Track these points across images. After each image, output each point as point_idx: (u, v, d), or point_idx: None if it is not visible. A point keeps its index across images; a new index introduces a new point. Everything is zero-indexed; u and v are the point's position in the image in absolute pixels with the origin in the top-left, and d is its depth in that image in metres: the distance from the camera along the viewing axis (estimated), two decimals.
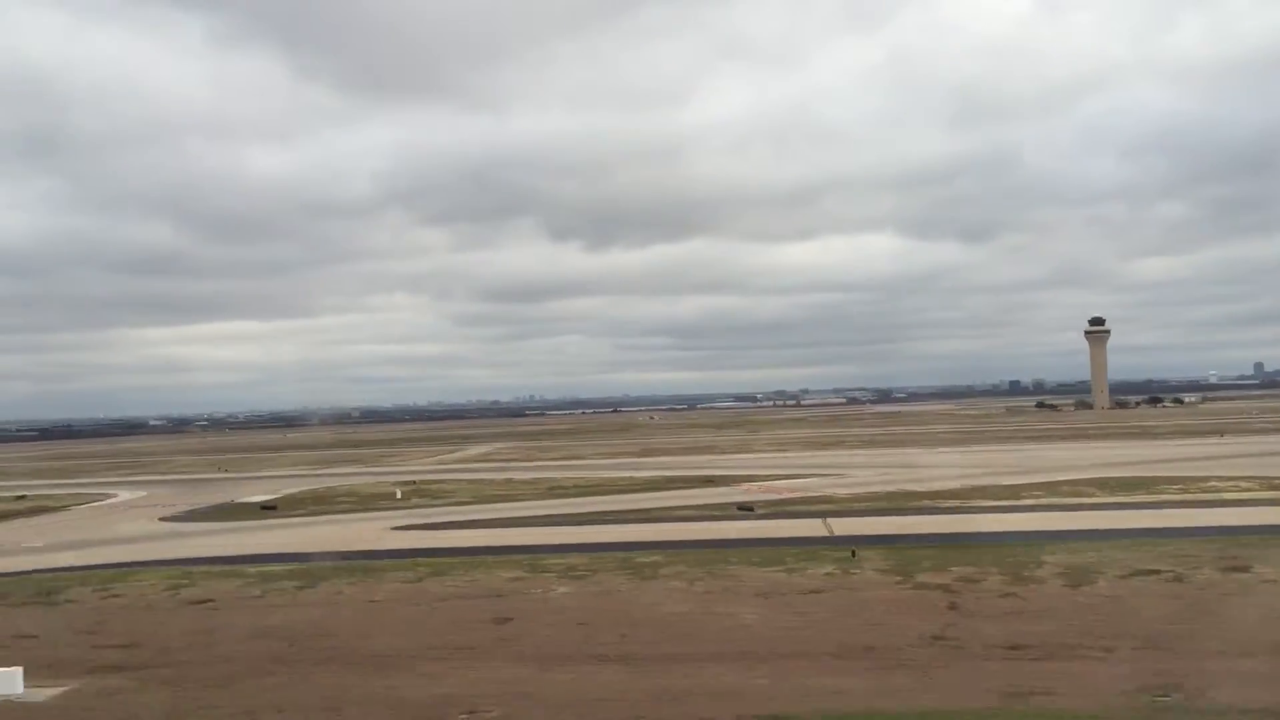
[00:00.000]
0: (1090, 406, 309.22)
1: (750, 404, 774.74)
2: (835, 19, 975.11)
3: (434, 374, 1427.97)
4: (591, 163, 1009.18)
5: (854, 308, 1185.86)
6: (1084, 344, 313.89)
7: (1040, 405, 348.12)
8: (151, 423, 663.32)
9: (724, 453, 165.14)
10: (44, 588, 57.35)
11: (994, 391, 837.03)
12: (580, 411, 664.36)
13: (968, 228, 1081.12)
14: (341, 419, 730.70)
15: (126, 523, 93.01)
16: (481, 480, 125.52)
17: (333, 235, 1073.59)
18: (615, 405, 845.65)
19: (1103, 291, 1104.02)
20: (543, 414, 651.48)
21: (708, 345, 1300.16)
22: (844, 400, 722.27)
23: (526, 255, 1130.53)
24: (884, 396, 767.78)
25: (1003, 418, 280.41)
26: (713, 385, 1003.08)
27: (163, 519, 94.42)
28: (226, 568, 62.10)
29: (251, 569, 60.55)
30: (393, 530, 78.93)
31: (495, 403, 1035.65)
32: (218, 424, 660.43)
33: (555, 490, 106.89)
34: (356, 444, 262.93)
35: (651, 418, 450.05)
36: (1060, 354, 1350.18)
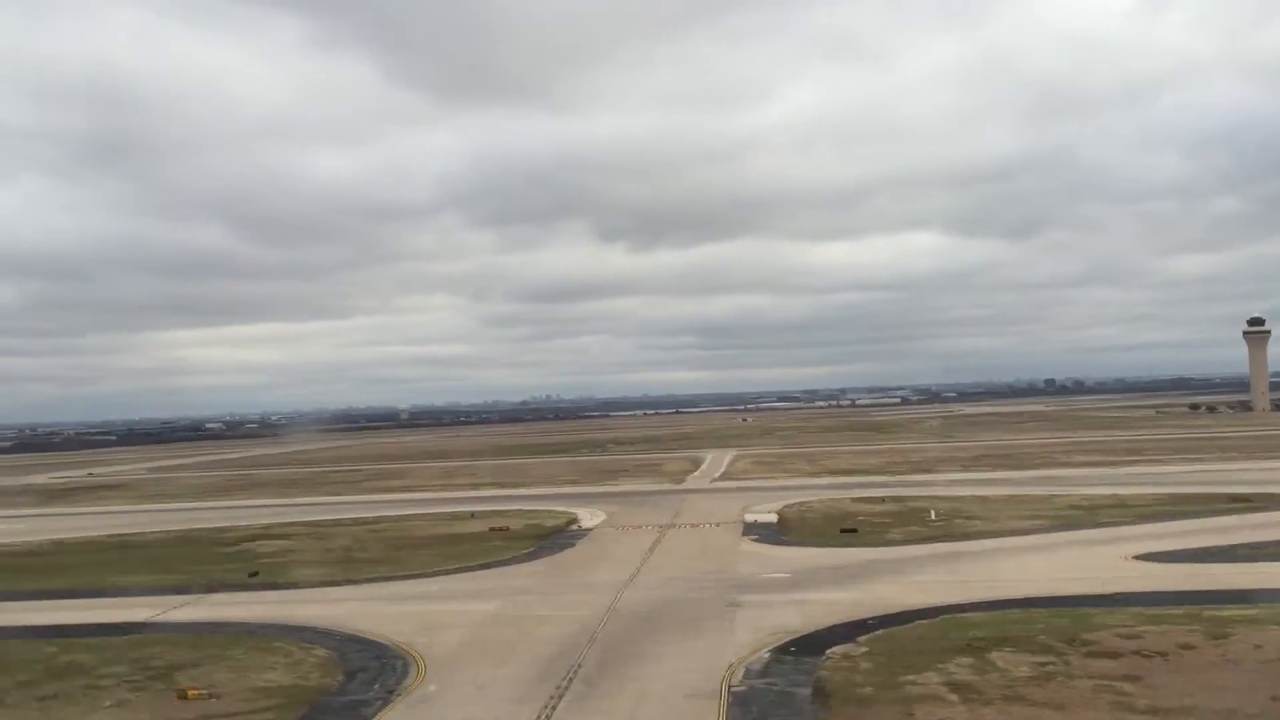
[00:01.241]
0: (1250, 408, 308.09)
1: (793, 403, 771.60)
2: (930, 16, 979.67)
3: (452, 375, 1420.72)
4: (656, 164, 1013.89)
5: (883, 306, 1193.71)
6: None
7: (1194, 407, 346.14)
8: (209, 426, 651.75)
9: (1068, 465, 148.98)
10: None
11: (1038, 390, 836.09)
12: (642, 413, 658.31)
13: (1014, 224, 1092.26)
14: (393, 418, 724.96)
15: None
16: (938, 496, 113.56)
17: (382, 238, 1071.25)
18: (638, 406, 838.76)
19: (1134, 289, 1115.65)
20: (606, 415, 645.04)
21: (731, 345, 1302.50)
22: (897, 400, 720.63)
23: (570, 257, 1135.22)
24: (932, 397, 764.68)
25: (1183, 422, 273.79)
26: (731, 385, 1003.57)
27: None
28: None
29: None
30: (1136, 559, 71.05)
31: (524, 403, 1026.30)
32: (270, 426, 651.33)
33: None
34: (545, 449, 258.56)
35: (745, 419, 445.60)
36: (1085, 351, 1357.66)
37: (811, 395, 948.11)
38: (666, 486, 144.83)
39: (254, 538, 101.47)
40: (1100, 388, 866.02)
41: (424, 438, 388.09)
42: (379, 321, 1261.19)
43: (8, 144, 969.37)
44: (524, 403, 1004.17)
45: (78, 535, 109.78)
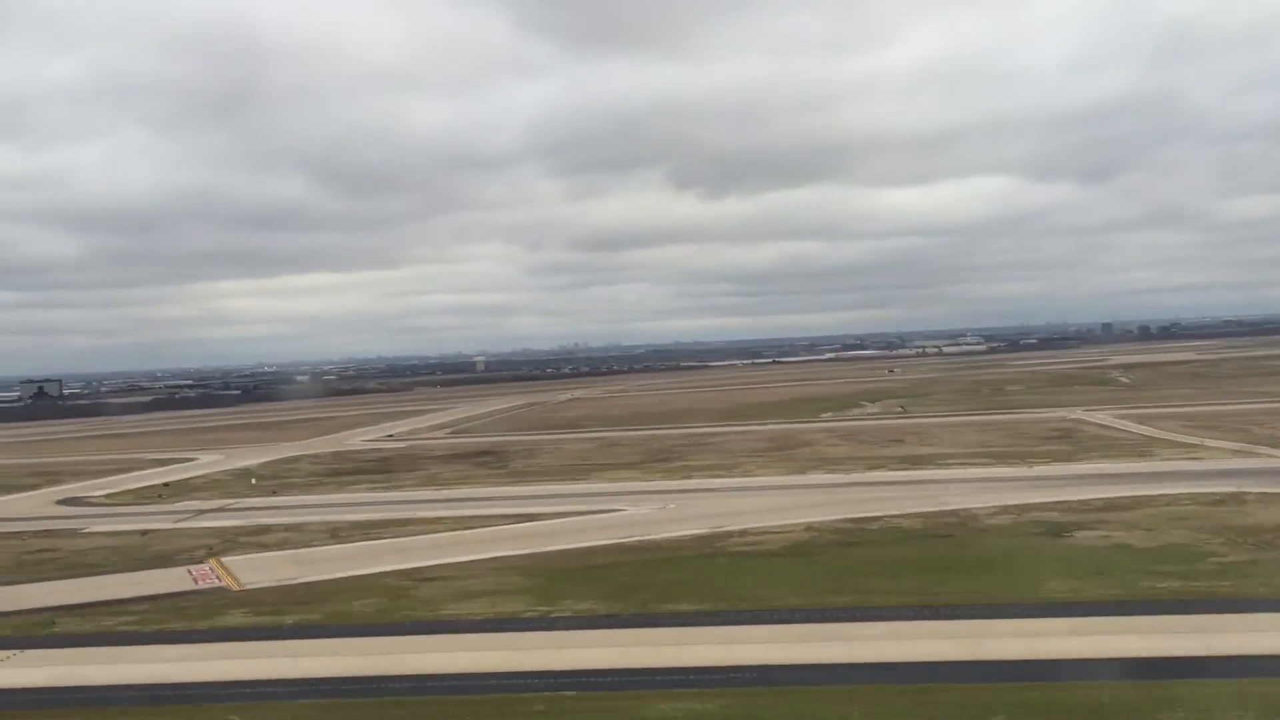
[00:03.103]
0: None
1: (877, 352, 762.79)
2: None
3: (480, 323, 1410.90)
4: (752, 110, 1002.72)
5: (931, 252, 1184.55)
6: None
7: None
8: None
9: None
10: None
11: (1113, 336, 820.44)
12: (743, 363, 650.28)
13: (1091, 169, 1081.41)
14: (465, 369, 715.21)
15: None
16: None
17: (455, 187, 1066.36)
18: (670, 353, 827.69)
19: (1187, 231, 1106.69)
20: (705, 365, 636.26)
21: (770, 291, 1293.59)
22: (981, 344, 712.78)
23: (636, 204, 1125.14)
24: (1012, 344, 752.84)
25: None
26: (765, 331, 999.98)
27: None
28: None
29: None
30: None
31: (567, 350, 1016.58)
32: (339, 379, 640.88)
33: None
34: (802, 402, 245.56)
35: (892, 370, 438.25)
36: (1126, 294, 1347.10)
37: (860, 340, 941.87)
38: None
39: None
40: (1166, 333, 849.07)
41: (600, 391, 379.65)
42: (426, 271, 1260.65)
43: (122, 97, 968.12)
44: (569, 350, 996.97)
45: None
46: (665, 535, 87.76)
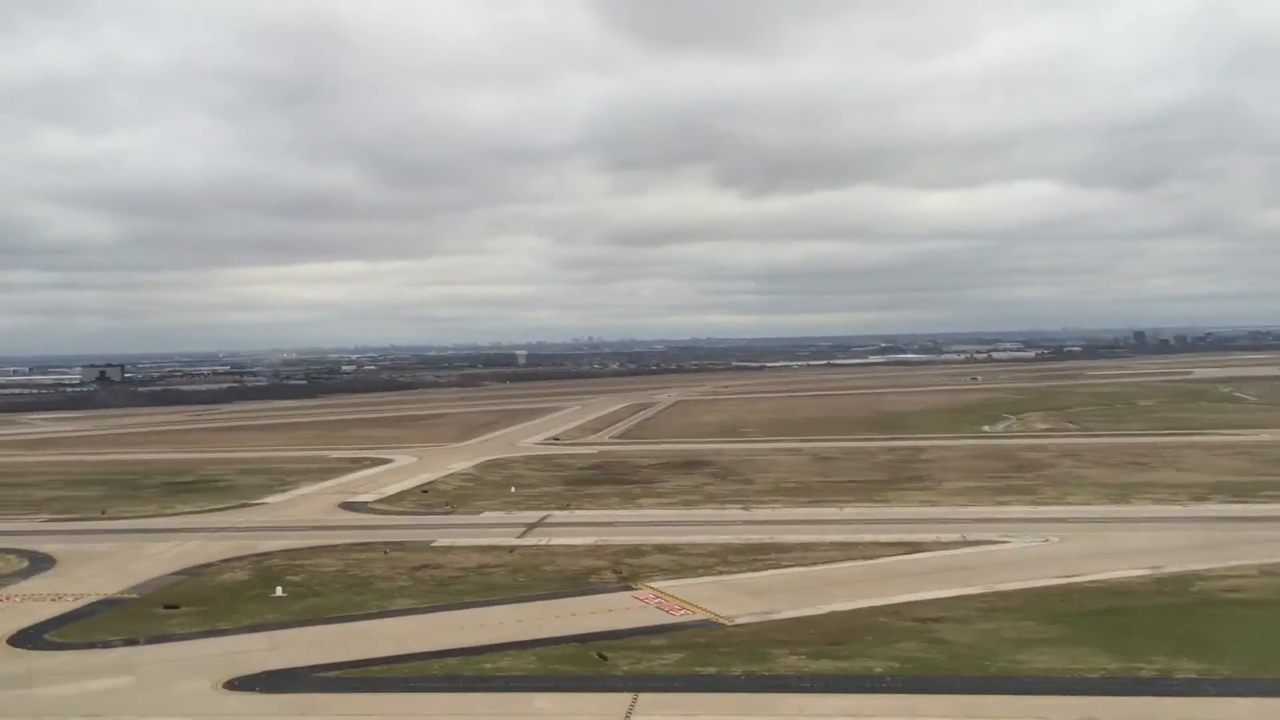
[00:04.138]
0: None
1: (920, 356, 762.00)
2: None
3: (495, 315, 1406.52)
4: (815, 109, 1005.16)
5: (957, 255, 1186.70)
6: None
7: None
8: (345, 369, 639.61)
9: None
10: None
11: (1154, 347, 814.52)
12: (799, 365, 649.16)
13: (1137, 176, 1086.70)
14: (507, 362, 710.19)
15: None
16: None
17: (502, 180, 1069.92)
18: (690, 349, 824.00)
19: (1219, 240, 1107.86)
20: (761, 366, 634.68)
21: (792, 290, 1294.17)
22: (1029, 353, 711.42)
23: (676, 200, 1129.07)
24: (1056, 351, 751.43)
25: None
26: (781, 330, 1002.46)
27: None
28: None
29: None
30: None
31: (580, 343, 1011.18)
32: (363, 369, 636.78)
33: None
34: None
35: (976, 379, 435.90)
36: (1148, 301, 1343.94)
37: (893, 343, 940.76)
38: None
39: None
40: (1200, 343, 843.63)
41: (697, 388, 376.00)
42: (454, 262, 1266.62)
43: (192, 85, 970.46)
44: (583, 344, 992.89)
45: None
46: (1107, 575, 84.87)
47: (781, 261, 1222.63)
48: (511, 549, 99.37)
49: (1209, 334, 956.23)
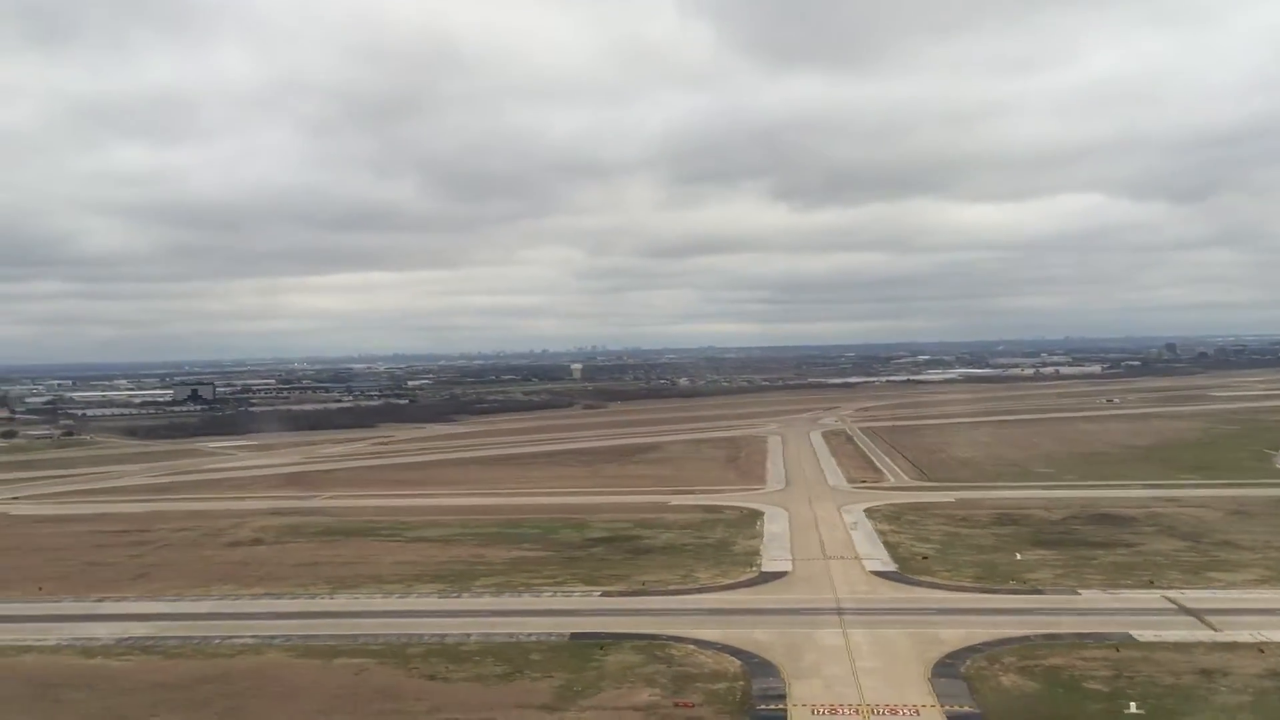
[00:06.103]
0: None
1: (965, 370, 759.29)
2: None
3: (502, 325, 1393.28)
4: (892, 126, 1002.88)
5: (982, 266, 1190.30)
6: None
7: None
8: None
9: None
10: None
11: (1182, 362, 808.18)
12: (882, 380, 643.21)
13: (1187, 189, 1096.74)
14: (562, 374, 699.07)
15: None
16: None
17: (556, 193, 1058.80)
18: (696, 358, 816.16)
19: (1248, 251, 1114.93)
20: (848, 384, 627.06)
21: (804, 300, 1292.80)
22: (1095, 369, 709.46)
23: (725, 213, 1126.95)
24: (1113, 364, 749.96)
25: None
26: (784, 339, 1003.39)
27: None
28: None
29: None
30: None
31: (585, 351, 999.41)
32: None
33: None
34: None
35: (1112, 401, 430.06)
36: (1140, 310, 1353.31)
37: (941, 354, 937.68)
38: None
39: None
40: (1245, 358, 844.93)
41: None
42: (478, 273, 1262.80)
43: (280, 100, 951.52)
44: (588, 352, 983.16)
45: None
46: None
47: (806, 272, 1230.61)
48: (1261, 648, 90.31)
49: (1242, 348, 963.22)
